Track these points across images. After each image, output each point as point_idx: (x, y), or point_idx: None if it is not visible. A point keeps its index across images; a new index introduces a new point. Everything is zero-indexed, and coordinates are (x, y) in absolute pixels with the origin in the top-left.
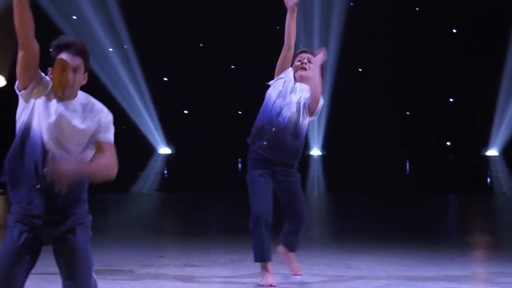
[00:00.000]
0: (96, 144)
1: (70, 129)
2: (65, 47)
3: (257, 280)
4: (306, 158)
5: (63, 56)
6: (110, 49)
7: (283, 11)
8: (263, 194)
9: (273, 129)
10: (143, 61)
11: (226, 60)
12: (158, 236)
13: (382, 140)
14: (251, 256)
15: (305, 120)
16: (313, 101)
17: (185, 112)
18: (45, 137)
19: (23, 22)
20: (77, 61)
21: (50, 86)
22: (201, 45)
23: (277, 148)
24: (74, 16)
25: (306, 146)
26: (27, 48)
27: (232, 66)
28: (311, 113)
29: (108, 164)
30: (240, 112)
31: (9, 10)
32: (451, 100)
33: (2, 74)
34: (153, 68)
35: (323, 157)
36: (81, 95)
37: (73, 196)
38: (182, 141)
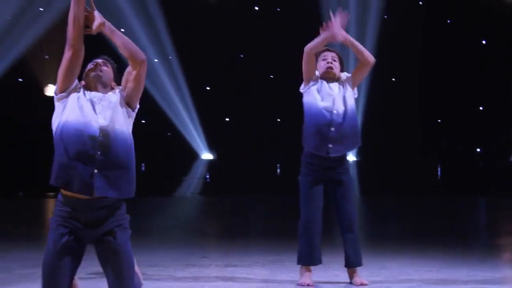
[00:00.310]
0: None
1: (114, 108)
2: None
3: (295, 280)
4: None
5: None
6: (156, 60)
7: (316, 29)
8: (314, 199)
9: (332, 128)
10: (187, 71)
11: (265, 70)
12: (201, 237)
13: (415, 146)
14: (289, 257)
15: (353, 102)
16: (363, 61)
17: (227, 119)
18: (93, 123)
19: (78, 20)
20: (105, 60)
21: (82, 87)
22: (242, 56)
23: (342, 144)
24: (123, 29)
25: None
26: (76, 46)
27: (271, 76)
28: (357, 83)
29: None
30: (278, 120)
31: (60, 24)
32: (480, 108)
33: (54, 84)
34: (196, 78)
35: (357, 163)
36: None
37: (124, 168)
38: (223, 147)
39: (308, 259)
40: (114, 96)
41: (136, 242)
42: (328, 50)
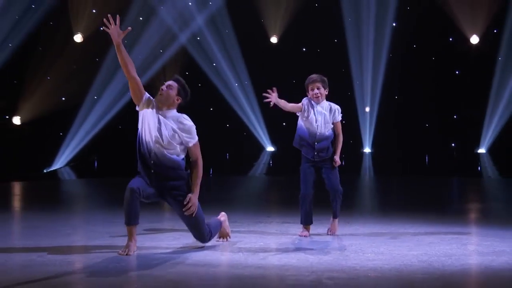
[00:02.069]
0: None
1: (164, 130)
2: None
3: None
4: (361, 154)
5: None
6: (236, 84)
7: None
8: (308, 180)
9: (315, 142)
10: (257, 92)
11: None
12: (266, 203)
13: (410, 141)
14: (326, 216)
15: (329, 125)
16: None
17: (283, 124)
18: (148, 138)
19: (123, 63)
20: (171, 83)
21: (155, 103)
22: (294, 81)
23: (320, 153)
24: (214, 63)
25: (360, 145)
26: (130, 79)
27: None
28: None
29: (199, 170)
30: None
31: (172, 59)
32: (455, 117)
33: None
34: (263, 97)
35: (371, 154)
36: (175, 114)
37: (171, 177)
38: (281, 142)
39: (303, 220)
40: (175, 125)
41: (222, 207)
42: (315, 81)
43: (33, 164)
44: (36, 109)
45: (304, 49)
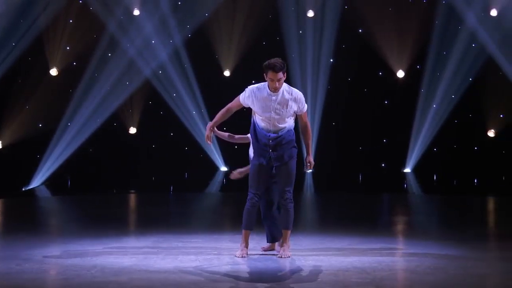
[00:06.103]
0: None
1: (280, 111)
2: (271, 67)
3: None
4: (304, 173)
5: (270, 73)
6: (194, 112)
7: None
8: None
9: None
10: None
11: None
12: (220, 217)
13: (346, 162)
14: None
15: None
16: None
17: (235, 147)
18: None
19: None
20: (280, 76)
21: (265, 90)
22: (244, 109)
23: None
24: (174, 94)
25: (303, 166)
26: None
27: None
28: None
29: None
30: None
31: (138, 92)
32: (384, 141)
33: (134, 126)
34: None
35: (312, 173)
36: (284, 86)
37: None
38: (232, 163)
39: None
40: (291, 108)
41: (181, 220)
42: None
43: (12, 183)
44: (16, 134)
45: (253, 81)
